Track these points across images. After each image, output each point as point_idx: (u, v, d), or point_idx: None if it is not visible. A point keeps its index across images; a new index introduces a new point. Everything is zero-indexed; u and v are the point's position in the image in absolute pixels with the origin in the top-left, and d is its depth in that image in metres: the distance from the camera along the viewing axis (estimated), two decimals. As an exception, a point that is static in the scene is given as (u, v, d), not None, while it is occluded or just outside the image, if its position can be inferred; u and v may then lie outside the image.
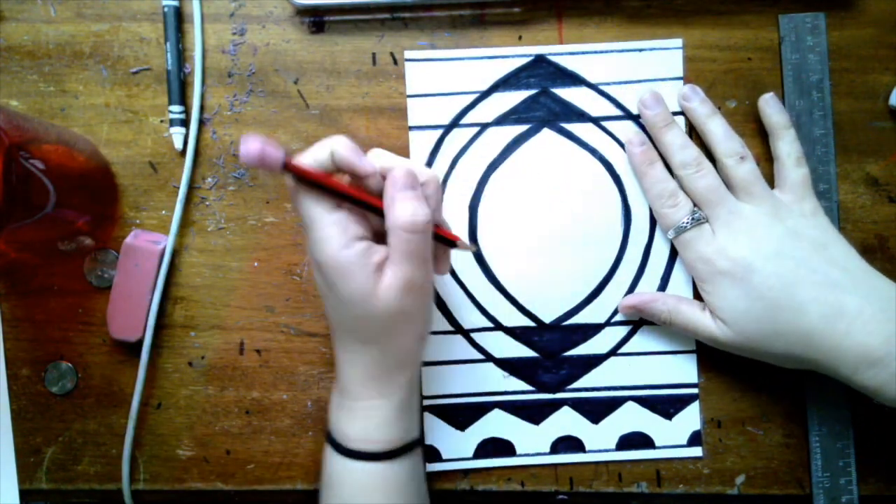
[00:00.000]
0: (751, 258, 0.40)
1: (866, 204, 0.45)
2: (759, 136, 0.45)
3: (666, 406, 0.45)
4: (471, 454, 0.45)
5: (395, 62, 0.45)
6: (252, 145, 0.32)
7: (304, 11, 0.45)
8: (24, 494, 0.46)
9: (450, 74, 0.45)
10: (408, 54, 0.45)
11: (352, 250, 0.34)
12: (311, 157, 0.35)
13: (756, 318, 0.40)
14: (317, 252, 0.35)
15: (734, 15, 0.45)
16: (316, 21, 0.46)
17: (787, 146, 0.43)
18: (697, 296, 0.45)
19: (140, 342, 0.45)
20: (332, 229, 0.34)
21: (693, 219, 0.42)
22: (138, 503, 0.46)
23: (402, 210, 0.34)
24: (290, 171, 0.33)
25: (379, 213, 0.35)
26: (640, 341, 0.45)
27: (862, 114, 0.45)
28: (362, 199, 0.35)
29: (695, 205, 0.43)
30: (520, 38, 0.45)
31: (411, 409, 0.40)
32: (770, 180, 0.43)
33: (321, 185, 0.34)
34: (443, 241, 0.38)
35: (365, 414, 0.38)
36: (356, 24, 0.45)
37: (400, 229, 0.34)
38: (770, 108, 0.44)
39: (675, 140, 0.43)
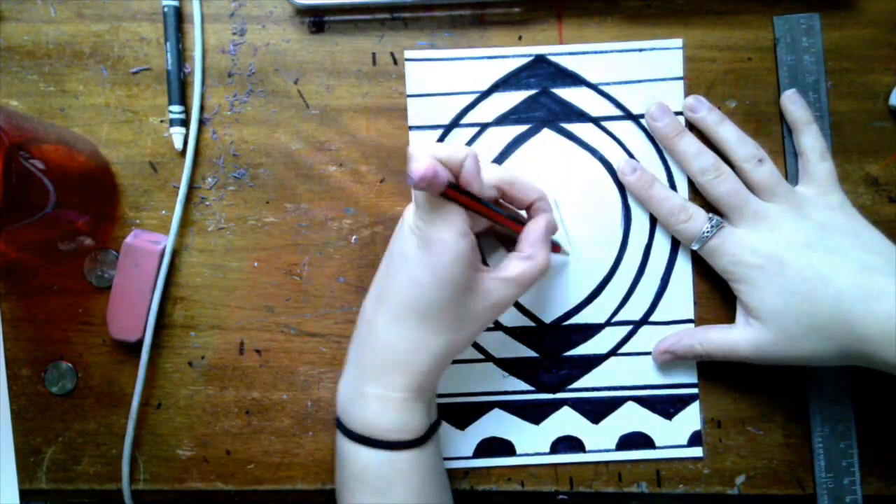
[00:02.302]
0: (781, 253, 0.40)
1: (866, 204, 0.45)
2: (760, 137, 0.45)
3: (666, 406, 0.45)
4: (471, 453, 0.45)
5: (395, 62, 0.45)
6: (423, 169, 0.32)
7: (304, 11, 0.45)
8: (24, 494, 0.46)
9: (450, 74, 0.45)
10: (408, 54, 0.45)
11: (467, 240, 0.36)
12: (441, 154, 0.35)
13: (794, 313, 0.39)
14: (435, 231, 0.35)
15: (734, 15, 0.45)
16: (316, 21, 0.46)
17: (810, 140, 0.43)
18: (701, 302, 0.45)
19: (140, 342, 0.45)
20: (456, 217, 0.36)
21: (712, 225, 0.42)
22: (138, 503, 0.46)
23: (543, 258, 0.38)
24: (450, 196, 0.35)
25: (513, 228, 0.40)
26: (640, 341, 0.45)
27: (862, 114, 0.45)
28: (505, 224, 0.39)
29: (709, 210, 0.43)
30: (520, 38, 0.45)
31: (434, 396, 0.41)
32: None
33: (468, 204, 0.36)
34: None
35: (404, 406, 0.38)
36: (356, 24, 0.45)
37: (536, 269, 0.38)
38: (792, 104, 0.44)
39: (690, 148, 0.43)
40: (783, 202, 0.41)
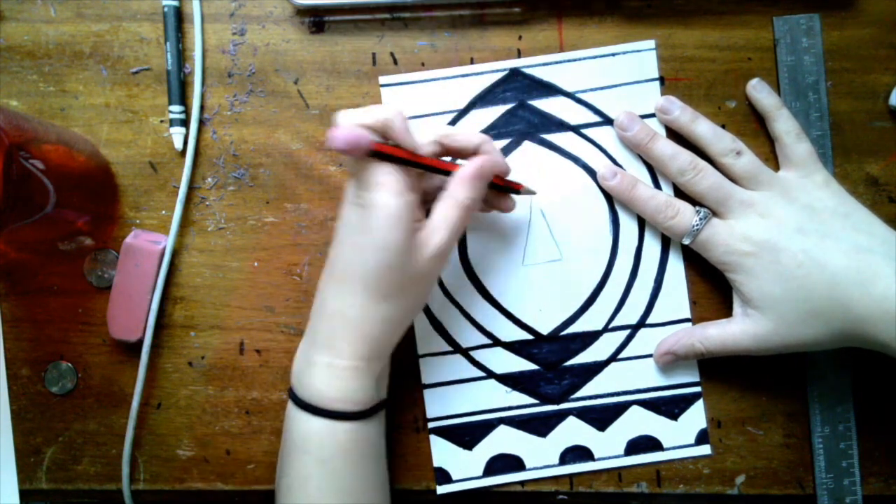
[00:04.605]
0: (774, 239, 0.40)
1: (866, 204, 0.44)
2: (762, 136, 0.45)
3: (671, 407, 0.45)
4: (480, 472, 0.45)
5: (396, 62, 0.45)
6: (346, 133, 0.34)
7: (304, 11, 0.45)
8: (24, 494, 0.46)
9: (426, 96, 0.45)
10: (382, 80, 0.45)
11: (403, 200, 0.36)
12: (367, 119, 0.36)
13: (792, 300, 0.39)
14: (369, 195, 0.36)
15: (734, 15, 0.45)
16: (316, 21, 0.46)
17: (783, 124, 0.43)
18: (700, 302, 0.45)
19: (140, 342, 0.45)
20: (389, 177, 0.36)
21: (700, 218, 0.42)
22: (138, 503, 0.46)
23: (465, 196, 0.38)
24: (380, 154, 0.35)
25: (445, 174, 0.39)
26: (639, 345, 0.45)
27: (862, 114, 0.45)
28: (435, 167, 0.38)
29: (695, 203, 0.43)
30: (520, 38, 0.45)
31: (386, 372, 0.41)
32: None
33: (401, 158, 0.36)
34: (508, 189, 0.42)
35: (351, 375, 0.38)
36: (356, 24, 0.45)
37: (457, 208, 0.38)
38: (758, 92, 0.44)
39: (665, 151, 0.43)
40: (768, 189, 0.41)
